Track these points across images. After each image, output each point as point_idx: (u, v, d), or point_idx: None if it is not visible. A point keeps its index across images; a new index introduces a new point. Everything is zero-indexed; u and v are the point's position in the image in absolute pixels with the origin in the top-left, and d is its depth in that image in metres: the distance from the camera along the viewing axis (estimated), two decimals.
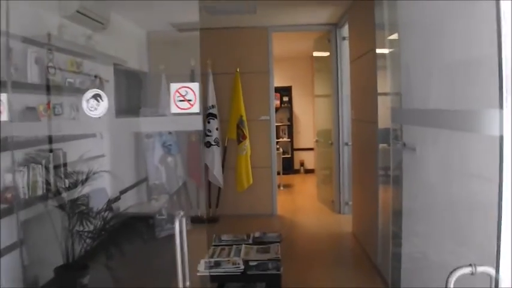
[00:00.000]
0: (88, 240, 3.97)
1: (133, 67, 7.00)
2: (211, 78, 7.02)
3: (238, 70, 7.10)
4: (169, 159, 6.98)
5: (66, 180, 4.36)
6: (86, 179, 4.25)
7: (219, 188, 7.24)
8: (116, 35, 6.31)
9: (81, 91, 5.13)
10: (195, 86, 1.99)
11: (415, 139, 2.34)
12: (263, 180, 7.44)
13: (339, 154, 7.40)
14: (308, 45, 9.18)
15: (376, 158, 4.75)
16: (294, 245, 5.78)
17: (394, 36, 4.23)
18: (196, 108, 1.99)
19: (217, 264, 3.66)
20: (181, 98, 1.98)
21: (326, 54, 7.76)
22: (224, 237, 4.44)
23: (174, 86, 2.00)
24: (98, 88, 5.47)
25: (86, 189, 4.62)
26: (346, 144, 7.25)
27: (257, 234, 4.48)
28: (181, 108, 1.99)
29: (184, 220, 2.07)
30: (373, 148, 4.90)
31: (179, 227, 2.00)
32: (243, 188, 7.12)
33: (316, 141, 8.59)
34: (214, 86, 7.06)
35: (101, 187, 5.02)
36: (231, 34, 7.32)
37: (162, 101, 6.98)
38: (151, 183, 6.76)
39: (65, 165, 4.44)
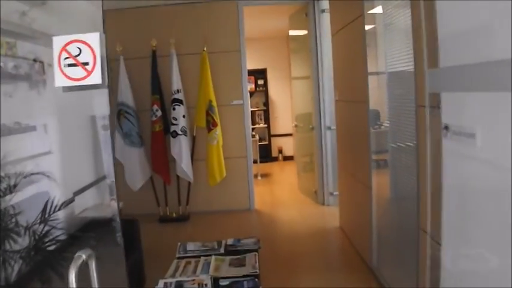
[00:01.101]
0: (17, 263, 3.16)
1: None
2: (175, 59, 6.18)
3: (205, 49, 6.27)
4: (132, 152, 6.18)
5: None
6: (15, 185, 3.43)
7: (189, 183, 6.46)
8: (63, 13, 5.45)
9: (16, 77, 4.31)
10: (94, 38, 1.20)
11: (468, 118, 1.56)
12: (238, 172, 6.68)
13: (321, 139, 6.69)
14: (283, 23, 8.44)
15: (368, 141, 4.06)
16: (274, 247, 5.04)
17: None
18: (96, 78, 1.18)
19: (179, 286, 2.90)
20: (72, 61, 1.18)
21: (303, 32, 7.01)
22: (190, 246, 3.67)
23: (58, 41, 1.19)
24: (38, 73, 4.63)
25: (21, 196, 3.81)
26: (329, 128, 6.54)
27: (230, 242, 3.71)
28: (72, 78, 1.18)
29: (93, 263, 1.31)
30: (363, 131, 4.20)
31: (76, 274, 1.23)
32: (216, 181, 6.33)
33: (295, 126, 7.83)
34: (179, 68, 6.22)
35: (43, 191, 4.21)
36: (196, 9, 6.49)
37: (122, 85, 6.16)
38: (110, 181, 5.94)
39: None
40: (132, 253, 4.05)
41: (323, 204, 6.75)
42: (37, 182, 4.03)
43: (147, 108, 6.34)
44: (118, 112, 6.16)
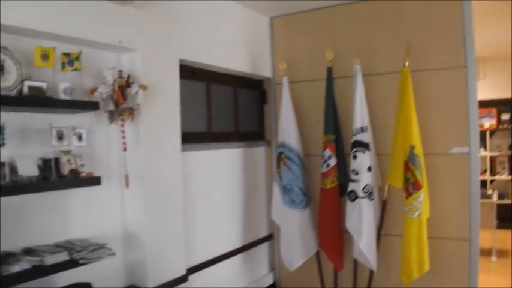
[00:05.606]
0: None
1: (245, 71, 4.53)
2: (360, 80, 4.04)
3: (406, 65, 3.96)
4: (291, 215, 4.24)
5: None
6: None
7: (371, 272, 4.19)
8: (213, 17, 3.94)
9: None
10: None
11: None
12: (451, 262, 4.10)
13: None
14: None
15: None
16: None
17: None
18: None
19: None
20: None
21: None
22: None
23: None
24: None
25: None
26: None
27: None
28: None
29: None
30: None
31: None
32: (412, 278, 3.87)
33: None
34: (365, 93, 4.08)
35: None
36: (393, 6, 4.27)
37: (285, 119, 4.35)
38: None
39: None
40: None
41: None
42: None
43: (316, 153, 4.37)
44: (278, 156, 4.33)
